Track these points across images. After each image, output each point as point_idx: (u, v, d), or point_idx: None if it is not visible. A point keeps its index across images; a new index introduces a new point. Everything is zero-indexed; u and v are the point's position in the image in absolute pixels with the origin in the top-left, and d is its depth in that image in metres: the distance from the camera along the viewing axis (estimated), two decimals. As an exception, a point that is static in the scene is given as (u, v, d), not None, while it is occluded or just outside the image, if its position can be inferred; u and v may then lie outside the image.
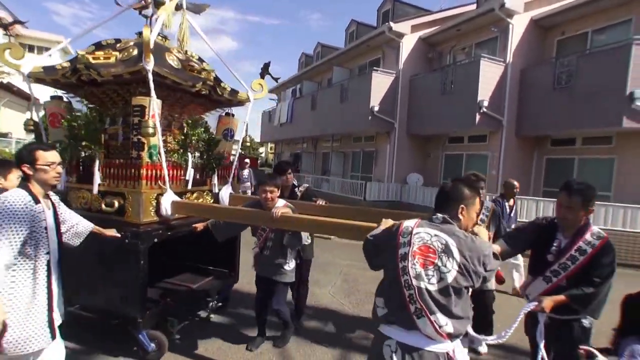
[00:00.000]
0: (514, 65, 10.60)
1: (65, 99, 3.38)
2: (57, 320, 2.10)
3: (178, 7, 3.26)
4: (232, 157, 3.95)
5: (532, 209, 9.04)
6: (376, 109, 12.39)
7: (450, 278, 1.53)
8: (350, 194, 13.33)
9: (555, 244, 2.13)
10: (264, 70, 3.90)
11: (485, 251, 1.62)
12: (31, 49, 26.63)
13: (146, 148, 2.83)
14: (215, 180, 3.66)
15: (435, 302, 1.53)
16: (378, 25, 15.66)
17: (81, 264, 3.05)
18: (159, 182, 2.97)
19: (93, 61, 2.81)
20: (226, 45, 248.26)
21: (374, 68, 13.16)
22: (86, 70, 2.79)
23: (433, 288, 1.54)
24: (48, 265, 2.05)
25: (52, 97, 3.37)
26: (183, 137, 3.36)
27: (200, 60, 3.60)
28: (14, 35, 3.11)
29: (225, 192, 3.31)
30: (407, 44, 12.92)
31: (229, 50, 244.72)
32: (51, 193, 2.23)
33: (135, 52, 2.92)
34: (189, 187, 3.32)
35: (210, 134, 3.70)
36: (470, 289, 1.62)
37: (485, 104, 10.23)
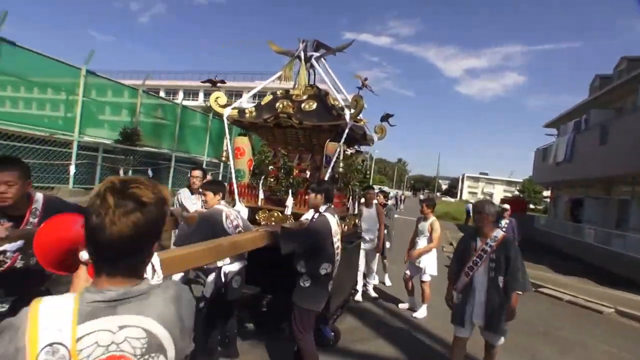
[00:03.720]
0: None
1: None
2: None
3: (308, 59, 4.23)
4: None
5: None
6: None
7: None
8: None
9: None
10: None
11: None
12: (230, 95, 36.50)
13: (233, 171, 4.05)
14: (288, 202, 3.89)
15: None
16: None
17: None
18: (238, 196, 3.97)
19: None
20: (512, 81, 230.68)
21: None
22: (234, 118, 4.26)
23: None
24: None
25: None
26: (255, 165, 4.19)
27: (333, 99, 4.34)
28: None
29: (307, 215, 3.44)
30: None
31: (515, 85, 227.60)
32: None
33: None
34: (259, 204, 4.00)
35: (285, 162, 4.06)
36: None
37: None
